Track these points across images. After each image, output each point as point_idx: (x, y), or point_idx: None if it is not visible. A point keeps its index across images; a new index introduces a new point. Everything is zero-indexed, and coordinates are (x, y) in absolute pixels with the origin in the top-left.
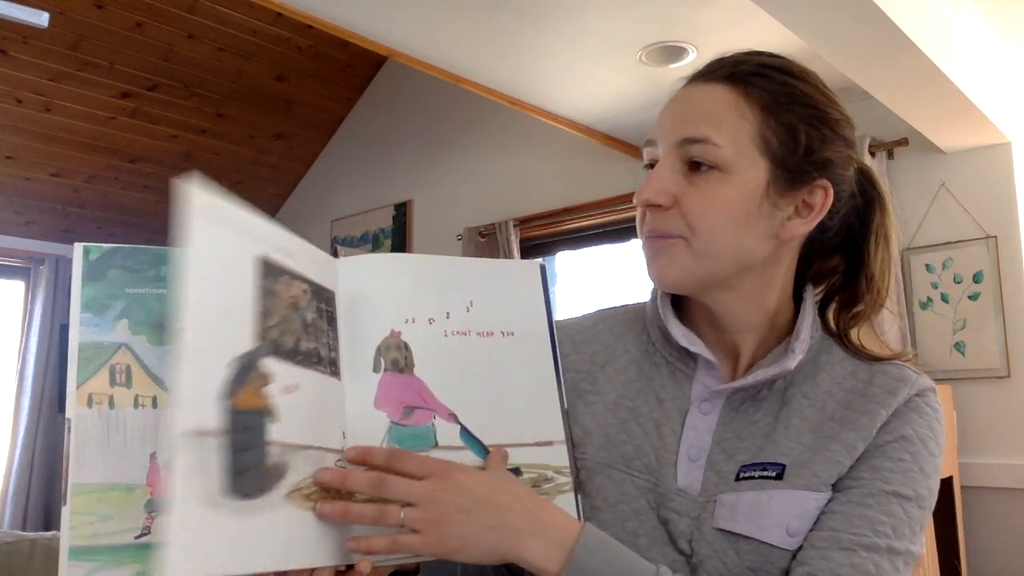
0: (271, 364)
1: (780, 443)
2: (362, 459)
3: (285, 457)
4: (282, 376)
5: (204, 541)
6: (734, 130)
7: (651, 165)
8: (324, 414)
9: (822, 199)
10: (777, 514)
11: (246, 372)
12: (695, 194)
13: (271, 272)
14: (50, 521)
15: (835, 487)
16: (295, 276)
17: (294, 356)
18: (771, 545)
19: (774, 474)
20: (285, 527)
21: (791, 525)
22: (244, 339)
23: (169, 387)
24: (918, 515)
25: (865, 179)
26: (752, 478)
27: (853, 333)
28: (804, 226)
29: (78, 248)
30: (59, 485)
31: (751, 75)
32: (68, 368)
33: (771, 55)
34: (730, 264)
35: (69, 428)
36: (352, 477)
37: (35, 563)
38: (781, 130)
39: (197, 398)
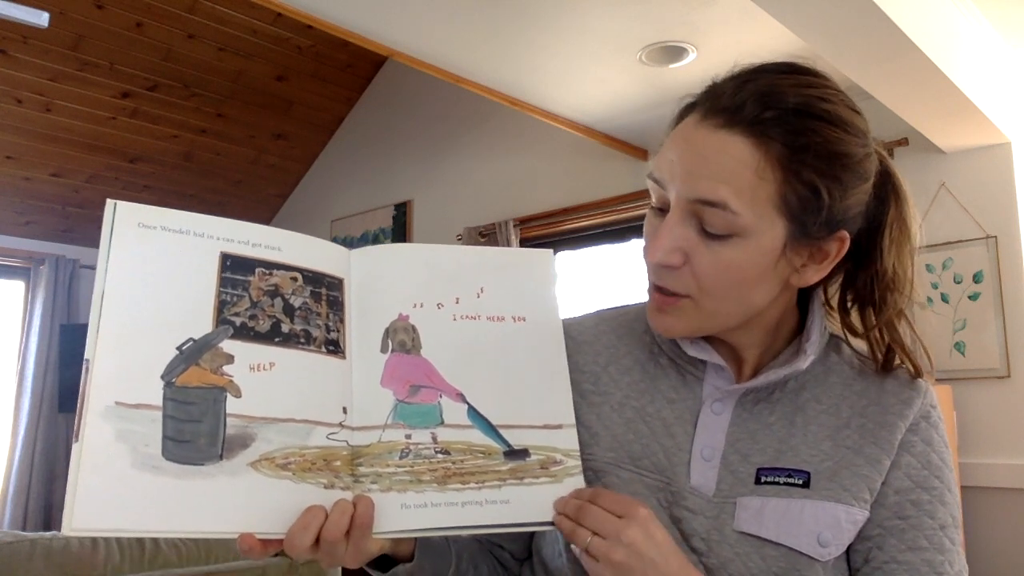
0: (234, 345)
1: (800, 450)
2: (576, 494)
3: (251, 429)
4: (249, 356)
5: (131, 499)
6: (752, 192)
7: (659, 208)
8: (313, 390)
9: (838, 247)
10: (809, 523)
11: (198, 353)
12: (708, 257)
13: (239, 265)
14: (50, 521)
15: (875, 512)
16: (279, 266)
17: (270, 337)
18: (801, 553)
19: (800, 482)
20: (246, 493)
21: (822, 535)
22: (200, 324)
23: (101, 368)
24: (958, 536)
25: (883, 172)
26: (776, 483)
27: (874, 333)
28: (817, 274)
29: (110, 204)
30: (59, 485)
31: (772, 122)
32: (91, 311)
33: (791, 78)
34: (738, 318)
35: (87, 369)
36: (563, 501)
37: (35, 563)
38: (802, 189)
39: (139, 376)
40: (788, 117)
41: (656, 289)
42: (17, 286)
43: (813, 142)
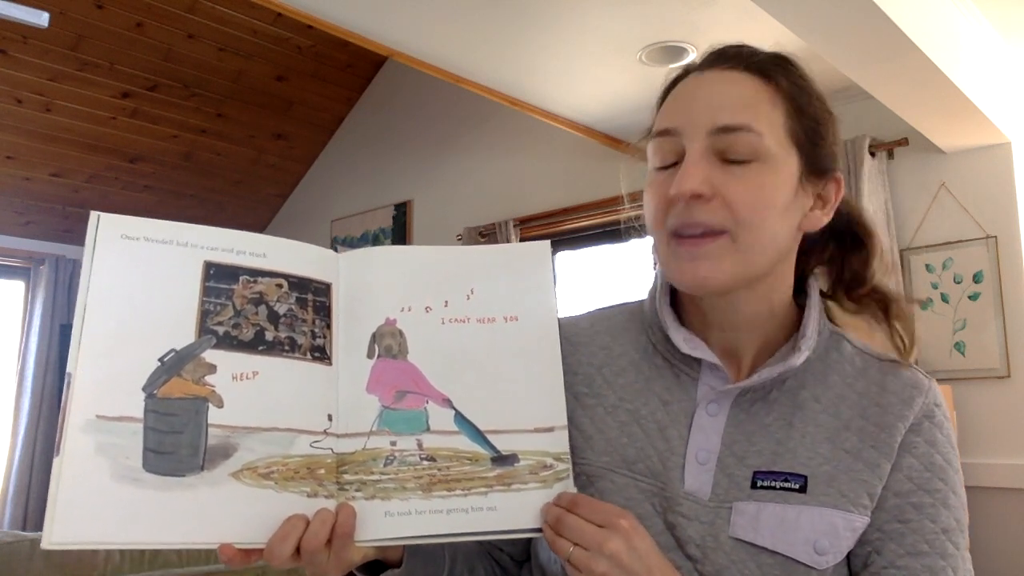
0: (217, 355)
1: (797, 452)
2: (556, 500)
3: (234, 439)
4: (232, 365)
5: (111, 511)
6: (770, 119)
7: (666, 166)
8: (297, 398)
9: (835, 190)
10: (806, 531)
11: (180, 364)
12: (739, 184)
13: (223, 273)
14: None
15: (875, 516)
16: (264, 273)
17: (254, 346)
18: (797, 561)
19: (796, 486)
20: (227, 503)
21: (819, 543)
22: (183, 334)
23: (79, 382)
24: (963, 540)
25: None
26: (772, 488)
27: (865, 327)
28: (824, 217)
29: (93, 216)
30: None
31: (771, 65)
32: (74, 324)
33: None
34: (770, 258)
35: (68, 383)
36: (546, 509)
37: (35, 563)
38: (808, 121)
39: (120, 389)
40: (783, 63)
41: (681, 236)
42: (17, 286)
43: (806, 85)
